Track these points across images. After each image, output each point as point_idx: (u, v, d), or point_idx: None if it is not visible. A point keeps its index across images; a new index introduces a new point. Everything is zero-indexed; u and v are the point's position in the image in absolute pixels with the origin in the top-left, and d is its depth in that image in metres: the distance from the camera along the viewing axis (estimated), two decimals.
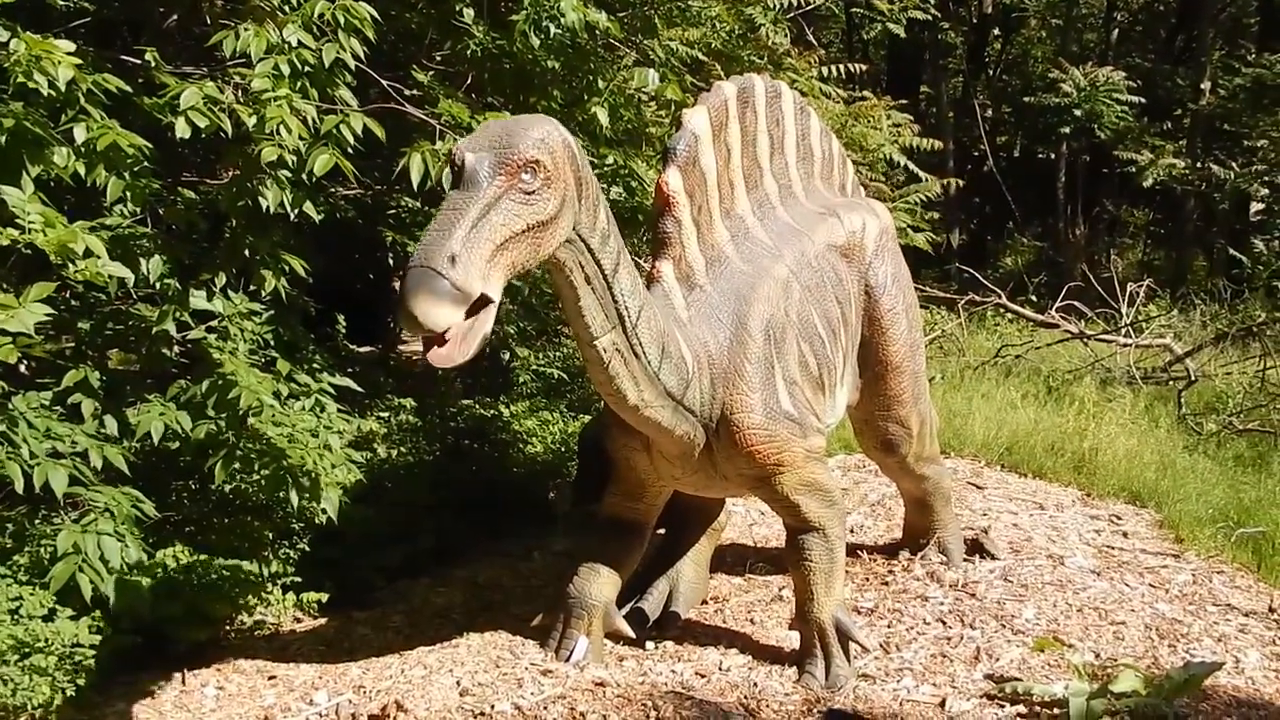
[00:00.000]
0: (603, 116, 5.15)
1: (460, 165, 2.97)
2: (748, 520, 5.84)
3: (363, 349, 7.85)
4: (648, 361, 3.54)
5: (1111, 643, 4.41)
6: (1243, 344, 10.08)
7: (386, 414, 6.20)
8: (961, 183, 10.12)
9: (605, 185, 5.93)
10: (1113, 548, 5.49)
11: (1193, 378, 9.01)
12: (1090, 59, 19.78)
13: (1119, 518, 6.05)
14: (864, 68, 9.35)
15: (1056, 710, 3.81)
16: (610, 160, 5.71)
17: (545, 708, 3.81)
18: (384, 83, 4.86)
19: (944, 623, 4.54)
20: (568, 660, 4.15)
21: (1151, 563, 5.30)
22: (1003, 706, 3.89)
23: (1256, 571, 5.31)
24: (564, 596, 4.26)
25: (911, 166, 9.40)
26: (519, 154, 2.97)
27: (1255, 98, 17.23)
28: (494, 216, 2.91)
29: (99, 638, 3.74)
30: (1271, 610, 4.84)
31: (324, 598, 4.64)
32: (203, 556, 4.32)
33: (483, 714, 3.75)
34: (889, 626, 4.53)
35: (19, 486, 3.51)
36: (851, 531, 5.57)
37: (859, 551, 5.29)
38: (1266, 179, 16.24)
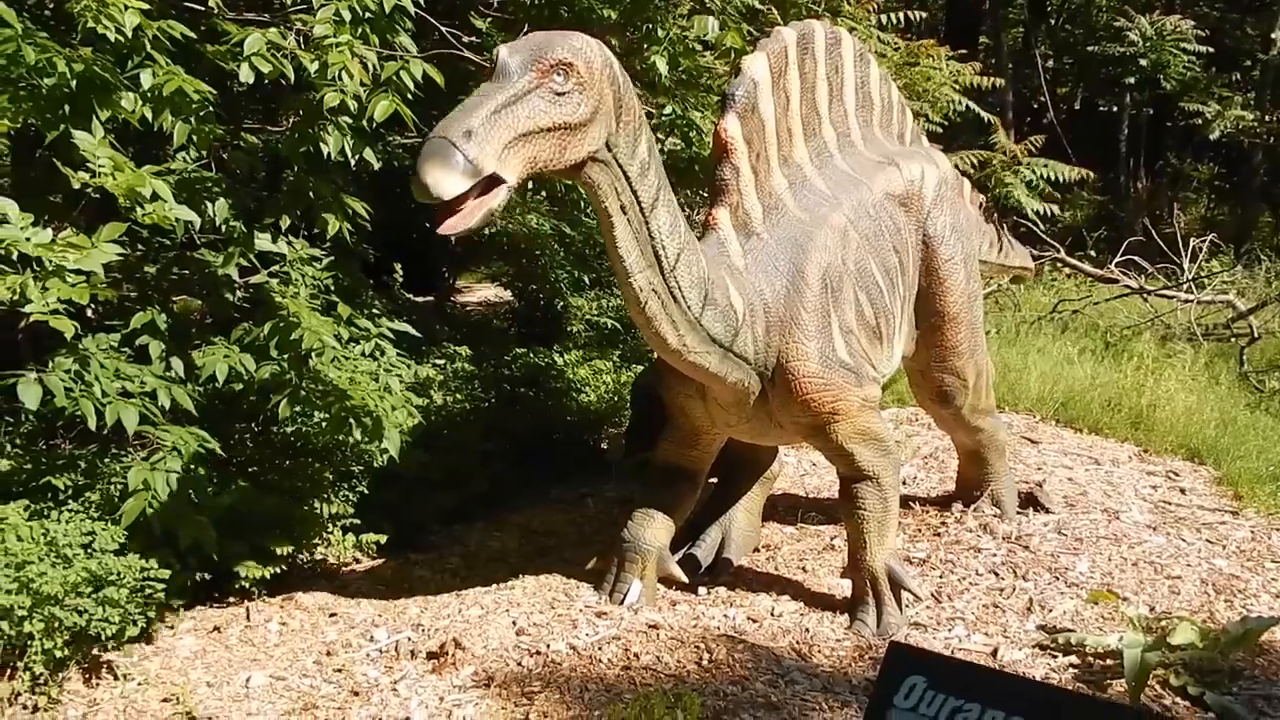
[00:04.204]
0: (661, 65, 5.11)
1: (497, 62, 3.07)
2: (799, 470, 5.85)
3: (419, 298, 7.93)
4: (687, 306, 3.55)
5: (1167, 597, 4.39)
6: None
7: (442, 361, 6.27)
8: (1038, 140, 9.81)
9: (663, 135, 5.91)
10: (1169, 503, 5.43)
11: (1256, 334, 8.81)
12: (1157, 7, 19.17)
13: (1176, 474, 5.98)
14: (923, 15, 9.13)
15: (1110, 661, 3.81)
16: (669, 110, 5.67)
17: (600, 648, 3.88)
18: (443, 29, 4.86)
19: (996, 574, 4.54)
20: (622, 603, 4.21)
21: (1209, 519, 5.24)
22: (1055, 657, 3.89)
23: None
24: (618, 541, 4.32)
25: (974, 107, 9.18)
26: (553, 55, 3.05)
27: None
28: (520, 108, 2.99)
29: (168, 572, 3.86)
30: None
31: (382, 539, 4.74)
32: (266, 496, 4.43)
33: (539, 653, 3.83)
34: (941, 577, 4.54)
35: (91, 424, 3.62)
36: (904, 483, 5.56)
37: (912, 503, 5.29)
38: None
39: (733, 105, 3.91)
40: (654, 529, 4.31)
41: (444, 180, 2.85)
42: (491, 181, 2.95)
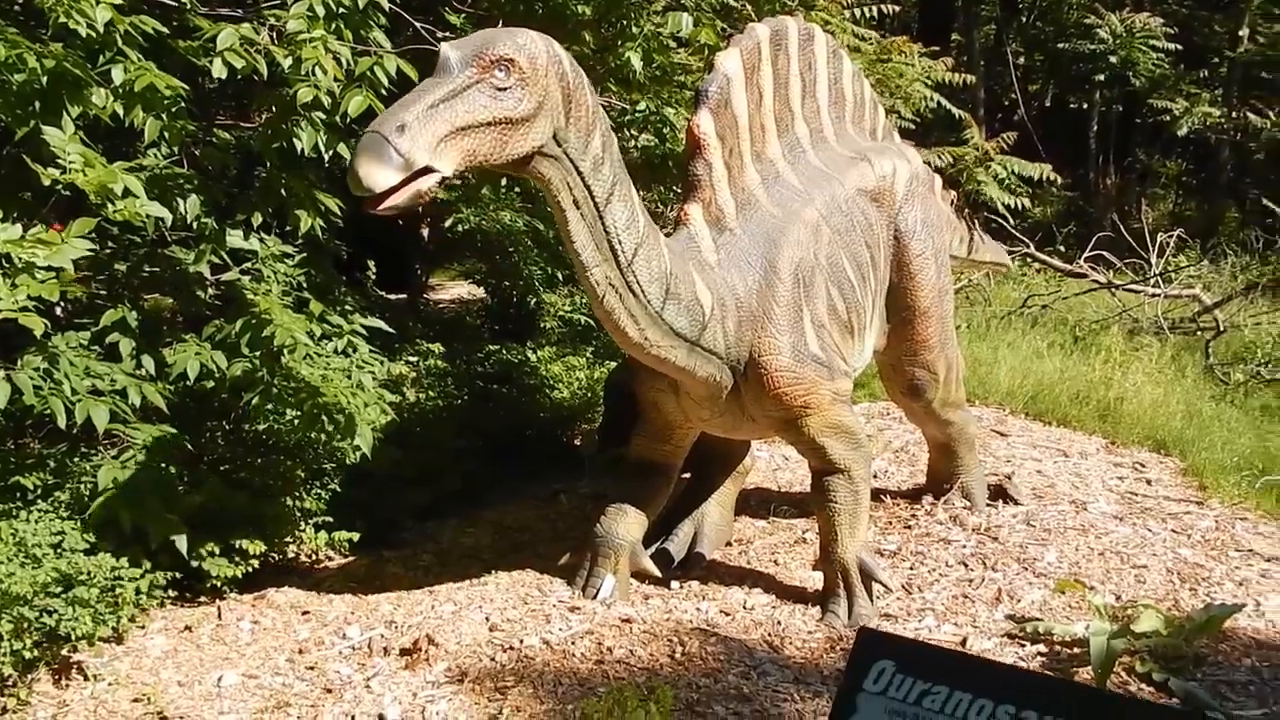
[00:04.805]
0: (635, 61, 5.13)
1: (439, 57, 3.10)
2: (772, 465, 5.89)
3: (392, 296, 7.91)
4: (647, 300, 3.58)
5: (1133, 585, 4.45)
6: (1272, 294, 9.99)
7: (415, 358, 6.27)
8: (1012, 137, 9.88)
9: (637, 131, 5.93)
10: (1136, 494, 5.51)
11: (1221, 328, 8.95)
12: (1126, 5, 19.37)
13: (1143, 465, 6.07)
14: (896, 9, 9.18)
15: (1077, 649, 3.86)
16: (642, 106, 5.69)
17: (573, 642, 3.90)
18: (417, 25, 4.86)
19: (966, 565, 4.59)
20: (594, 597, 4.24)
21: (1174, 509, 5.32)
22: (1023, 645, 3.95)
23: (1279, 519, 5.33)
24: (591, 536, 4.34)
25: (945, 104, 9.26)
26: (495, 51, 3.08)
27: None
28: (459, 103, 3.02)
29: (138, 571, 3.84)
30: None
31: (355, 537, 4.73)
32: (238, 494, 4.42)
33: (512, 648, 3.85)
34: (911, 568, 4.58)
35: (61, 422, 3.60)
36: (875, 477, 5.61)
37: (883, 496, 5.34)
38: None
39: (706, 101, 3.94)
40: (627, 524, 4.34)
41: (376, 173, 2.88)
42: (425, 173, 2.97)
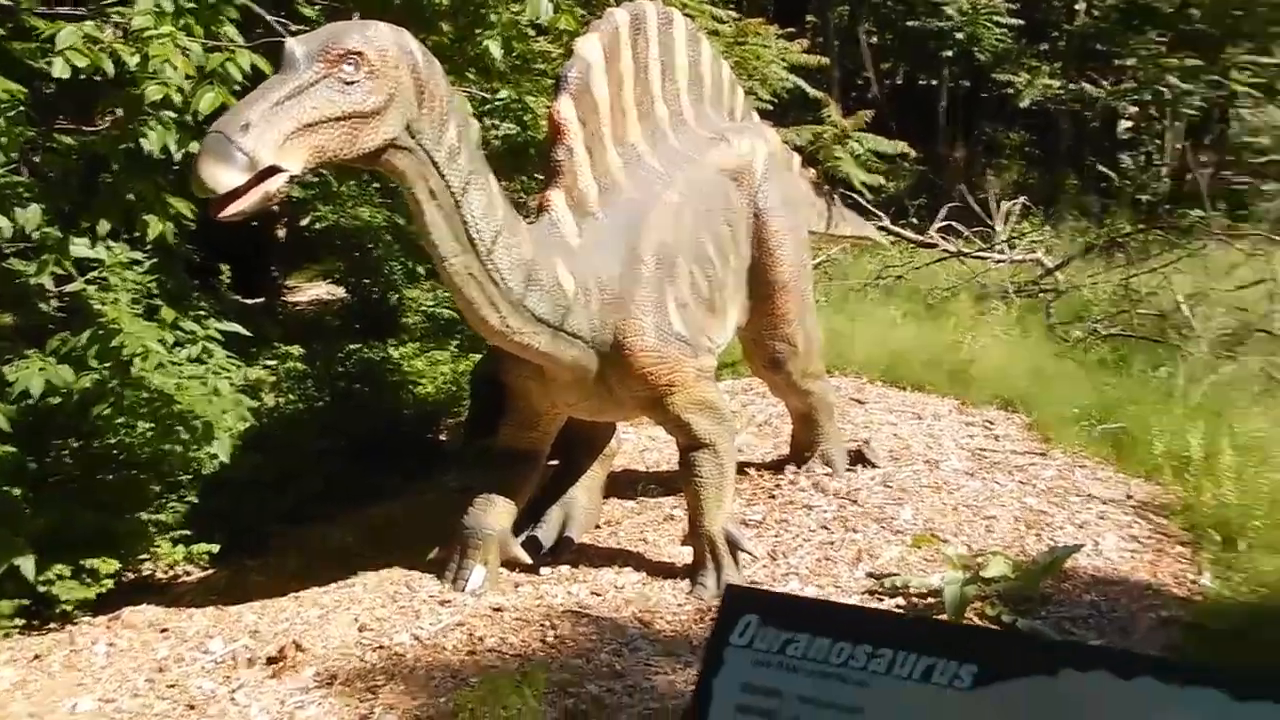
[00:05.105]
0: (495, 50, 5.10)
1: (284, 53, 3.07)
2: (639, 446, 5.96)
3: (248, 300, 7.68)
4: (508, 288, 3.60)
5: (983, 536, 4.67)
6: (1108, 255, 10.53)
7: (274, 361, 6.12)
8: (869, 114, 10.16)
9: (498, 120, 5.90)
10: (985, 450, 5.77)
11: (1061, 289, 9.40)
12: None
13: (992, 423, 6.35)
14: None
15: (932, 599, 4.04)
16: (503, 94, 5.68)
17: (444, 636, 3.89)
18: (269, 19, 4.73)
19: (828, 529, 4.74)
20: (465, 590, 4.23)
21: (1020, 461, 5.59)
22: (882, 600, 4.11)
23: (1115, 463, 5.65)
24: (460, 528, 4.33)
25: (804, 85, 9.49)
26: (342, 44, 3.07)
27: (1126, 17, 17.78)
28: (305, 99, 3.00)
29: None
30: (1129, 497, 5.18)
31: (215, 548, 4.61)
32: (87, 513, 4.25)
33: (382, 647, 3.81)
34: (776, 536, 4.71)
35: None
36: (740, 451, 5.72)
37: (747, 469, 5.46)
38: (1135, 97, 16.83)
39: (566, 87, 3.99)
40: (495, 513, 4.34)
41: (220, 174, 2.84)
42: (272, 172, 2.93)
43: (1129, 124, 18.82)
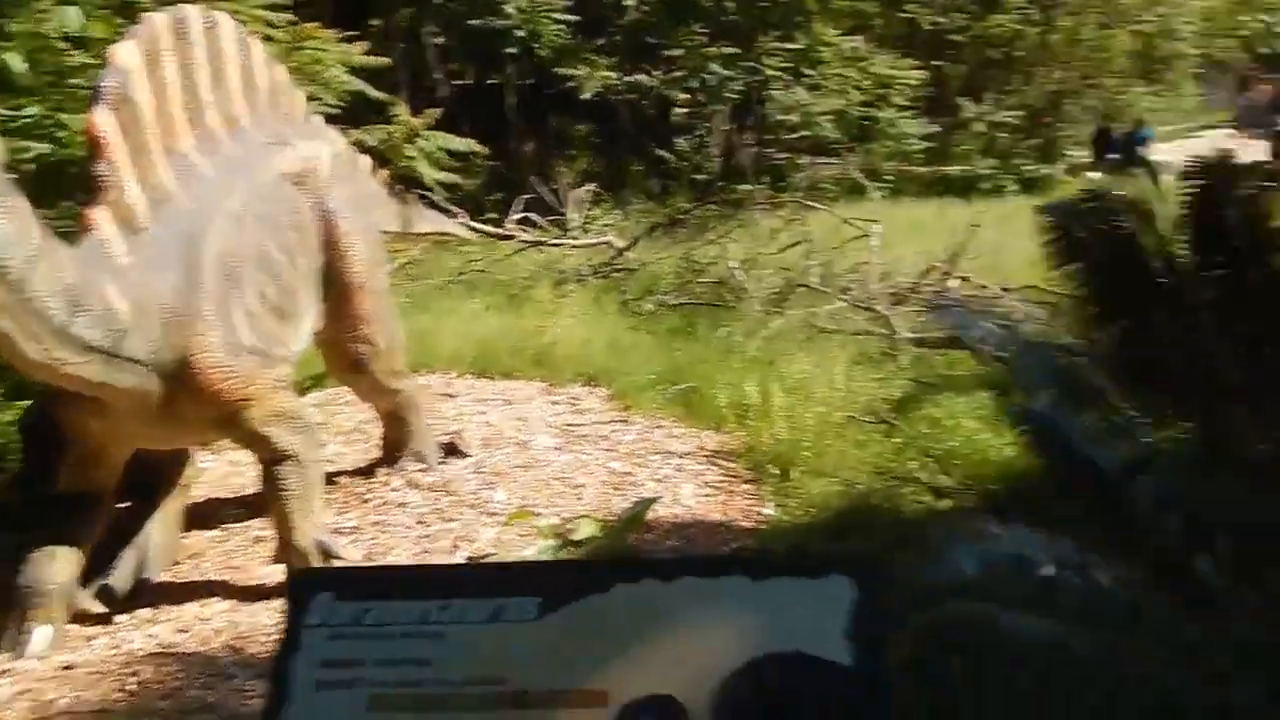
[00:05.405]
0: (15, 63, 4.59)
1: None
2: (221, 472, 5.65)
3: None
4: (49, 316, 3.30)
5: (574, 504, 4.94)
6: (671, 232, 11.45)
7: None
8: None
9: (27, 141, 5.30)
10: (572, 425, 6.07)
11: (633, 267, 10.08)
12: None
13: (577, 399, 6.70)
14: None
15: None
16: (31, 112, 5.10)
17: (8, 709, 3.49)
18: None
19: (424, 523, 4.78)
20: (26, 654, 3.81)
21: (605, 431, 5.95)
22: None
23: (688, 420, 6.17)
24: (16, 589, 3.89)
25: (367, 89, 9.38)
26: None
27: (671, 11, 19.32)
28: None
29: None
30: (701, 448, 5.68)
31: None
32: None
33: None
34: (373, 539, 4.67)
35: None
36: (330, 461, 5.60)
37: (338, 479, 5.33)
38: (685, 85, 18.36)
39: (103, 97, 3.68)
40: (56, 566, 3.94)
41: None
42: None
43: (681, 110, 20.42)
